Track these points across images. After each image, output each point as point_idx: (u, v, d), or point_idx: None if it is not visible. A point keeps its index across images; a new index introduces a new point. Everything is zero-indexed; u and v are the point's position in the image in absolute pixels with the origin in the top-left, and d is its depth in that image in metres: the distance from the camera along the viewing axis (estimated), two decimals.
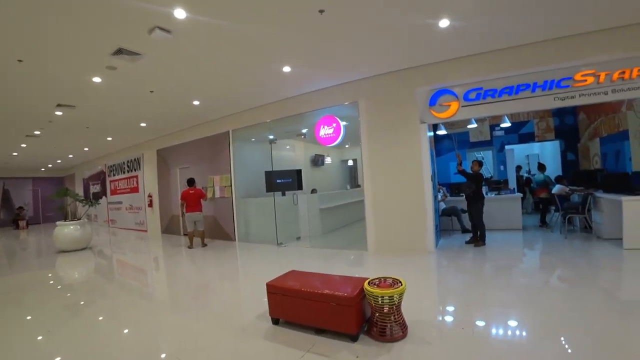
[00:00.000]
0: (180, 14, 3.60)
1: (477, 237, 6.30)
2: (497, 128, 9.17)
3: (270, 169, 7.87)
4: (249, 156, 8.59)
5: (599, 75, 4.86)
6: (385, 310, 2.77)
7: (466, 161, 9.45)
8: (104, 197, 13.37)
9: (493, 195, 7.80)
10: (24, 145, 10.48)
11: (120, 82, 5.51)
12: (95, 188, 14.49)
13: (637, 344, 2.48)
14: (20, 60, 4.45)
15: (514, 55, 5.19)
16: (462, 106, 5.56)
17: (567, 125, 8.83)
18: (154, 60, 4.77)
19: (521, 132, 9.11)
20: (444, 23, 4.30)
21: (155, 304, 4.30)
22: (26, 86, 5.47)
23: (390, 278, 2.99)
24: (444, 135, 9.12)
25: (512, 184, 8.83)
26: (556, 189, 7.36)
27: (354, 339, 2.77)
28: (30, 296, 4.72)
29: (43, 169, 17.58)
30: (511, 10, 4.10)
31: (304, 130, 7.70)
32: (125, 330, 3.35)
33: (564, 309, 3.23)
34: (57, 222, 8.17)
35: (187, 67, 5.20)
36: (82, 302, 4.38)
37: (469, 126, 8.23)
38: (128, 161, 12.01)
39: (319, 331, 2.94)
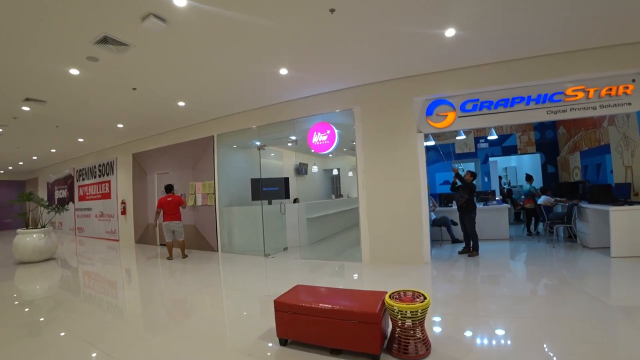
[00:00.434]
0: (181, 1, 3.26)
1: (471, 247, 6.26)
2: (481, 140, 9.31)
3: (257, 176, 7.49)
4: (234, 163, 8.17)
5: (589, 91, 5.10)
6: (409, 326, 2.54)
7: (449, 172, 9.53)
8: (71, 203, 12.35)
9: (481, 205, 7.81)
10: None
11: (101, 76, 5.02)
12: (61, 193, 13.40)
13: None
14: None
15: (510, 69, 5.26)
16: (459, 117, 5.62)
17: (547, 139, 9.09)
18: (142, 53, 4.36)
19: (504, 144, 9.28)
20: (449, 32, 4.26)
21: (131, 322, 3.80)
22: None
23: (410, 291, 2.79)
24: (429, 147, 9.12)
25: (498, 194, 8.93)
26: (542, 199, 7.47)
27: (375, 358, 2.49)
28: None
29: (2, 171, 16.14)
30: (508, 25, 4.18)
31: (293, 138, 7.39)
32: (94, 354, 2.86)
33: (580, 316, 3.17)
34: (18, 230, 7.35)
35: (178, 64, 4.81)
36: (42, 319, 3.84)
37: (457, 137, 8.27)
38: (100, 165, 11.19)
39: (335, 352, 2.63)
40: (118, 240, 10.41)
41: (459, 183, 6.47)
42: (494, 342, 2.79)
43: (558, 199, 7.46)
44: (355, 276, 5.39)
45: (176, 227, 6.98)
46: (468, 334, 3.04)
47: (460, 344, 2.81)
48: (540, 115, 5.30)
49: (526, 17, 3.98)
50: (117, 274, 6.47)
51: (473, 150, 9.45)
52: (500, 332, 2.97)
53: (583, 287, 4.25)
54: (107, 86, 5.49)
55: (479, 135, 9.28)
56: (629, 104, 5.00)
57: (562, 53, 5.05)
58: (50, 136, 8.87)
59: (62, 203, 11.41)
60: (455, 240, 7.50)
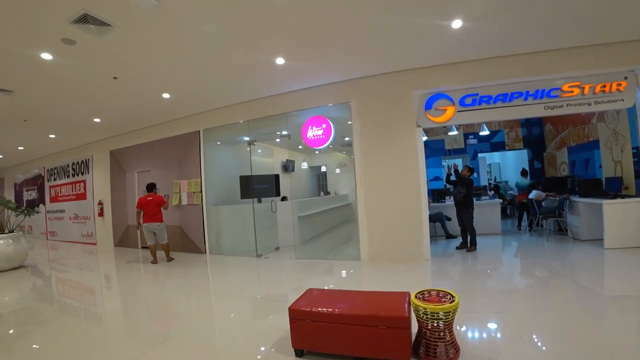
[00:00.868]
0: None
1: (468, 242, 6.19)
2: (470, 136, 9.30)
3: (246, 173, 7.10)
4: (221, 159, 7.73)
5: (584, 88, 5.16)
6: (438, 328, 2.35)
7: (439, 168, 9.48)
8: (41, 205, 11.46)
9: (474, 200, 7.74)
10: None
11: (78, 61, 4.51)
12: (30, 195, 12.43)
13: None
14: None
15: (509, 64, 5.25)
16: (458, 111, 5.53)
17: (534, 136, 9.17)
18: (126, 35, 3.92)
19: (493, 140, 9.29)
20: (456, 24, 4.15)
21: (115, 335, 3.39)
22: None
23: (434, 290, 2.60)
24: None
25: (489, 189, 8.94)
26: (533, 194, 7.49)
27: None
28: None
29: None
30: (515, 18, 4.13)
31: (285, 132, 7.04)
32: None
33: (593, 304, 3.15)
34: None
35: (165, 50, 4.38)
36: (11, 331, 3.41)
37: (450, 133, 8.17)
38: (74, 163, 10.41)
39: None
40: (95, 244, 9.70)
41: (453, 177, 6.40)
42: (522, 340, 2.61)
43: (548, 193, 7.51)
44: (356, 276, 5.15)
45: (157, 229, 6.48)
46: (493, 333, 2.84)
47: (487, 343, 2.65)
48: (538, 110, 5.29)
49: (533, 10, 3.92)
50: (95, 281, 5.95)
51: (462, 146, 9.41)
52: (525, 329, 2.80)
53: (599, 280, 4.31)
54: (85, 74, 4.97)
55: (468, 132, 9.25)
56: (622, 100, 5.09)
57: (559, 49, 5.08)
58: (17, 131, 8.11)
59: (32, 205, 10.55)
60: (449, 236, 7.41)
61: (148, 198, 6.51)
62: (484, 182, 9.25)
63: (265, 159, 9.28)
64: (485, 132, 8.18)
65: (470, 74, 5.37)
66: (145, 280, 5.67)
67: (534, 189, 7.69)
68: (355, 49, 4.75)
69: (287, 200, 8.43)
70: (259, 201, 7.36)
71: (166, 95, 6.10)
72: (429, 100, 5.60)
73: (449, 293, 2.51)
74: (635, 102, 5.13)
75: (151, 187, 6.70)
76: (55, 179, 11.21)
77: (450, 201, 7.93)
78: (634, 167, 5.99)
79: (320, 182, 12.59)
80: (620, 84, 5.04)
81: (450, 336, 2.38)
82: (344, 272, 5.35)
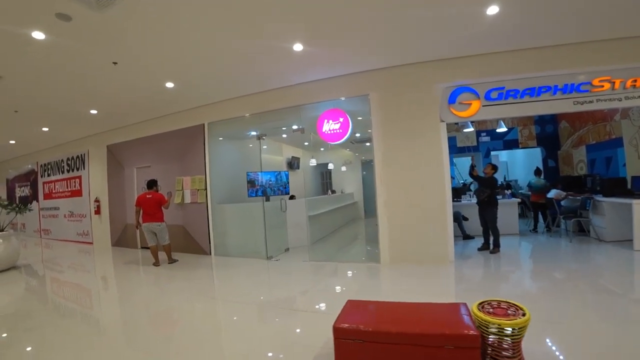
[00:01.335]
0: None
1: (492, 243, 5.76)
2: (483, 134, 8.87)
3: (253, 170, 6.57)
4: (227, 154, 7.18)
5: (614, 82, 4.78)
6: (506, 346, 2.05)
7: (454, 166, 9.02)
8: (34, 202, 10.78)
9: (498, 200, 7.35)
10: None
11: (74, 42, 3.93)
12: (23, 191, 11.72)
13: None
14: None
15: (538, 56, 4.90)
16: (484, 105, 5.09)
17: (547, 133, 8.77)
18: (131, 11, 3.37)
19: (506, 138, 8.89)
20: (492, 10, 3.76)
21: (117, 342, 2.95)
22: None
23: (495, 301, 2.26)
24: None
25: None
26: (553, 193, 7.11)
27: None
28: None
29: None
30: (542, 9, 3.80)
31: (294, 127, 6.52)
32: None
33: None
34: None
35: (172, 31, 3.83)
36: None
37: (465, 130, 7.73)
38: (69, 159, 9.76)
39: None
40: (91, 243, 9.09)
41: (481, 174, 6.01)
42: (586, 351, 2.29)
43: (568, 192, 7.13)
44: (382, 280, 4.70)
45: (157, 229, 5.92)
46: (553, 345, 2.42)
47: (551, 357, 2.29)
48: (567, 105, 4.93)
49: None
50: (92, 284, 5.41)
51: (475, 143, 8.98)
52: (586, 339, 2.48)
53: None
54: (81, 58, 4.38)
55: (480, 129, 8.82)
56: None
57: (590, 42, 4.71)
58: (8, 124, 7.46)
59: (25, 202, 9.89)
60: (466, 237, 6.97)
61: (147, 196, 5.95)
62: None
63: (271, 156, 8.70)
64: (502, 129, 7.75)
65: (497, 66, 4.96)
66: (146, 283, 5.14)
67: (553, 188, 7.35)
68: (378, 36, 4.30)
69: (295, 198, 7.91)
70: (267, 199, 6.84)
71: (170, 85, 5.53)
72: (452, 93, 5.20)
73: (514, 304, 2.19)
74: None
75: (151, 184, 6.13)
76: (49, 175, 10.54)
77: (466, 200, 7.51)
78: None
79: (324, 180, 12.08)
80: None
81: (519, 354, 2.03)
82: (366, 276, 4.90)
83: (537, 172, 7.92)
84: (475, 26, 4.12)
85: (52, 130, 8.30)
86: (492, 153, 9.00)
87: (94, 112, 6.86)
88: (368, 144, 9.36)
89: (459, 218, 6.95)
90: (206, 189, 6.63)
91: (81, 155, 9.34)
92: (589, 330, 2.71)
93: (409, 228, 5.26)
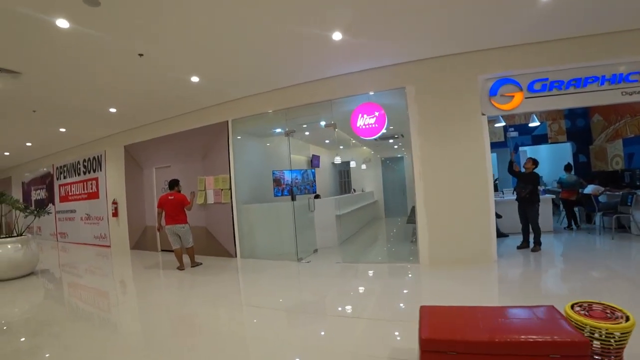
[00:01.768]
0: None
1: (533, 241, 5.37)
2: (511, 129, 8.42)
3: (281, 168, 6.17)
4: (252, 153, 6.79)
5: None
6: (607, 352, 1.84)
7: None
8: (50, 205, 10.47)
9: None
10: None
11: (100, 30, 3.56)
12: (39, 194, 11.42)
13: None
14: None
15: (584, 45, 4.46)
16: (526, 97, 4.75)
17: (578, 128, 8.30)
18: None
19: (534, 133, 8.43)
20: None
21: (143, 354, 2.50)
22: None
23: (590, 303, 2.07)
24: None
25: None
26: (590, 189, 6.69)
27: None
28: None
29: None
30: None
31: (322, 123, 6.13)
32: None
33: None
34: None
35: (203, 17, 3.45)
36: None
37: (496, 125, 7.28)
38: (85, 160, 9.43)
39: None
40: (109, 247, 8.74)
41: (522, 169, 5.65)
42: None
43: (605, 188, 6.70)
44: (427, 282, 4.31)
45: (181, 231, 5.55)
46: None
47: None
48: (615, 96, 4.57)
49: None
50: (113, 289, 5.06)
51: (502, 139, 8.54)
52: None
53: None
54: (105, 50, 4.02)
55: (508, 124, 8.37)
56: None
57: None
58: (26, 125, 7.14)
59: (41, 205, 9.59)
60: (500, 234, 6.52)
61: (169, 197, 5.57)
62: None
63: (294, 155, 8.26)
64: (535, 124, 7.30)
65: (542, 56, 4.60)
66: (171, 289, 4.75)
67: (589, 183, 6.93)
68: (426, 23, 3.94)
69: (319, 197, 7.50)
70: (293, 199, 6.45)
71: (195, 79, 5.15)
72: (493, 85, 4.87)
73: (609, 306, 2.01)
74: None
75: (173, 185, 5.75)
76: (65, 177, 10.21)
77: (498, 197, 7.07)
78: None
79: (342, 178, 11.65)
80: None
81: None
82: (409, 278, 4.51)
83: (568, 167, 7.46)
84: (527, 12, 3.78)
85: (69, 131, 7.96)
86: (521, 149, 8.53)
87: (113, 110, 6.50)
88: (391, 140, 9.00)
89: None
90: (231, 188, 6.24)
91: (98, 156, 9.00)
92: None
93: (449, 226, 4.90)
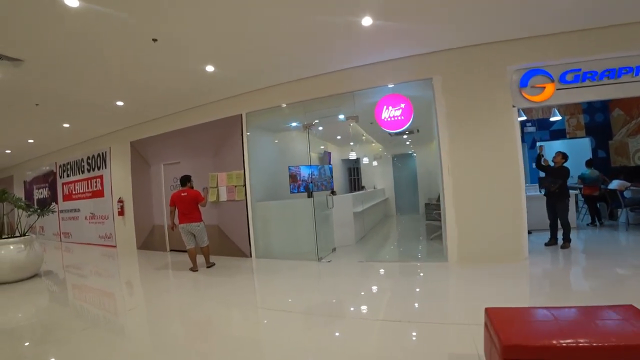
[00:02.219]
0: None
1: (563, 238, 5.10)
2: (528, 124, 8.12)
3: (299, 164, 5.82)
4: (267, 148, 6.44)
5: None
6: None
7: None
8: (53, 204, 10.05)
9: (541, 193, 6.63)
10: None
11: (113, 8, 3.19)
12: (41, 193, 11.00)
13: None
14: None
15: (618, 35, 4.19)
16: (558, 89, 4.51)
17: (597, 122, 8.01)
18: None
19: (552, 128, 8.12)
20: None
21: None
22: None
23: None
24: None
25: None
26: (616, 184, 6.42)
27: None
28: None
29: None
30: None
31: (340, 116, 5.77)
32: None
33: None
34: None
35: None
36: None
37: (519, 119, 6.93)
38: (89, 158, 9.03)
39: None
40: (115, 247, 8.36)
41: (552, 164, 5.42)
42: None
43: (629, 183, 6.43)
44: (463, 282, 3.99)
45: (196, 230, 5.18)
46: None
47: None
48: None
49: None
50: (123, 292, 4.71)
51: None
52: None
53: None
54: (117, 33, 3.65)
55: (527, 118, 8.07)
56: None
57: None
58: (27, 120, 6.75)
59: (43, 204, 9.19)
60: None
61: (182, 194, 5.20)
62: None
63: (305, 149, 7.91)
64: (556, 118, 6.99)
65: (574, 46, 4.34)
66: (186, 291, 4.39)
67: (614, 178, 6.66)
68: (453, 8, 3.62)
69: (335, 194, 7.16)
70: (310, 196, 6.11)
71: (210, 68, 4.79)
72: (524, 76, 4.58)
73: None
74: None
75: (185, 181, 5.37)
76: (68, 175, 9.81)
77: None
78: None
79: (351, 175, 11.30)
80: None
81: None
82: (441, 278, 4.21)
83: (589, 163, 7.17)
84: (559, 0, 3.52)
85: (73, 126, 7.57)
86: (538, 144, 8.22)
87: (120, 103, 6.13)
88: (405, 136, 8.67)
89: None
90: (245, 185, 5.88)
91: (102, 153, 8.61)
92: None
93: (479, 222, 4.62)
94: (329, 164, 8.52)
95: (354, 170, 11.25)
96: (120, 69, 4.60)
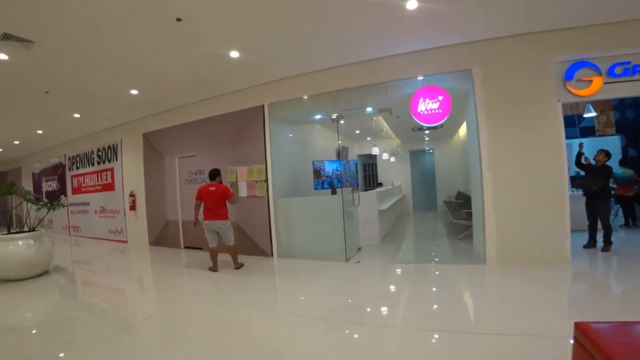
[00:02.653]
0: None
1: (604, 240, 4.80)
2: None
3: (325, 158, 5.49)
4: (290, 141, 6.11)
5: None
6: None
7: None
8: (63, 198, 9.77)
9: (572, 192, 6.30)
10: None
11: None
12: (50, 185, 10.70)
13: None
14: None
15: None
16: (606, 82, 4.21)
17: (628, 120, 7.64)
18: None
19: (581, 125, 7.74)
20: None
21: None
22: None
23: None
24: None
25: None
26: None
27: None
28: None
29: None
30: None
31: (369, 109, 5.42)
32: None
33: None
34: None
35: None
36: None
37: None
38: (99, 150, 8.71)
39: None
40: (126, 242, 8.06)
41: (593, 162, 5.09)
42: None
43: None
44: (509, 287, 3.60)
45: (221, 228, 4.82)
46: None
47: None
48: None
49: None
50: (137, 291, 4.44)
51: None
52: None
53: None
54: (138, 10, 3.30)
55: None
56: None
57: None
58: (36, 109, 6.41)
59: (52, 197, 8.89)
60: None
61: (210, 188, 4.81)
62: (572, 171, 7.71)
63: (327, 143, 7.57)
64: (591, 114, 6.61)
65: (624, 37, 4.01)
66: (206, 292, 4.09)
67: None
68: None
69: (357, 191, 6.83)
70: (334, 192, 5.78)
71: (235, 54, 4.43)
72: (569, 69, 4.27)
73: None
74: None
75: (214, 175, 4.95)
76: (77, 168, 9.50)
77: None
78: None
79: (367, 172, 10.95)
80: None
81: None
82: (484, 283, 3.91)
83: (623, 162, 6.81)
84: None
85: (84, 117, 7.24)
86: (578, 141, 7.88)
87: (134, 92, 5.78)
88: (427, 131, 8.31)
89: None
90: (266, 180, 5.56)
91: (113, 145, 8.28)
92: None
93: (520, 223, 4.33)
94: (347, 159, 8.19)
95: (369, 166, 10.89)
96: (140, 52, 4.25)
